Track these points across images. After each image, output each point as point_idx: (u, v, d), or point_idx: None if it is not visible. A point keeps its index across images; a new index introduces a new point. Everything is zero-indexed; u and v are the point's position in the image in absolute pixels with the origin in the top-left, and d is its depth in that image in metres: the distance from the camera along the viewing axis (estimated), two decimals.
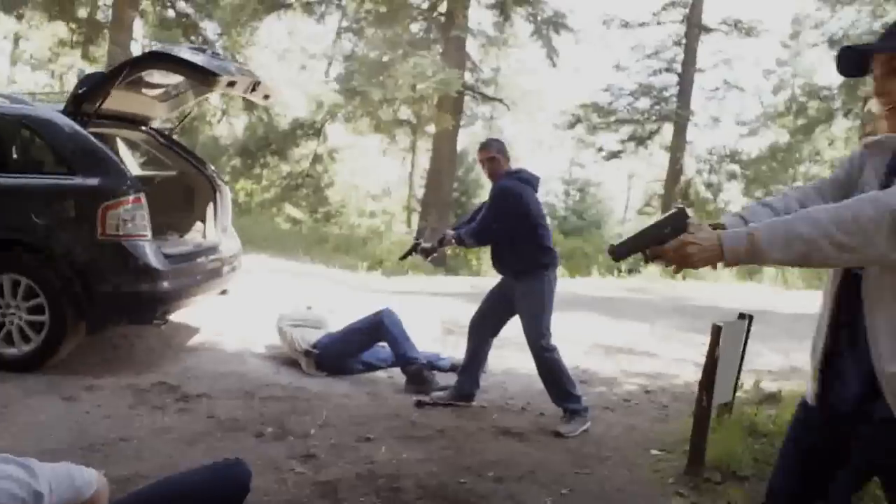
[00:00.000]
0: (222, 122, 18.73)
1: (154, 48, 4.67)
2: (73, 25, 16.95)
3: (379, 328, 4.89)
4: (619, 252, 1.63)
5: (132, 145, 5.80)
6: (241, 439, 3.54)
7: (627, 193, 35.34)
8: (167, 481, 2.15)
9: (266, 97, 5.30)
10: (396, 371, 4.94)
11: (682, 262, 1.54)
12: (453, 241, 4.30)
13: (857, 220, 1.45)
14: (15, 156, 4.60)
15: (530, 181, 4.27)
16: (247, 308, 6.27)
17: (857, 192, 1.66)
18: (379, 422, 3.92)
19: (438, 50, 15.44)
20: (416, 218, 21.13)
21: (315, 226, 18.41)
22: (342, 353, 4.94)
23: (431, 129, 18.59)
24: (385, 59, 13.43)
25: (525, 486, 3.19)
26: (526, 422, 4.15)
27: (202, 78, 4.42)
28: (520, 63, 22.34)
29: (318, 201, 19.07)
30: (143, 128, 5.50)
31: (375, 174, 26.37)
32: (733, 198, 20.91)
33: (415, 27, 16.49)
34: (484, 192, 24.92)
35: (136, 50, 16.91)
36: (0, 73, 28.58)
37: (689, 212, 1.58)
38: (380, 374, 5.02)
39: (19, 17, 17.00)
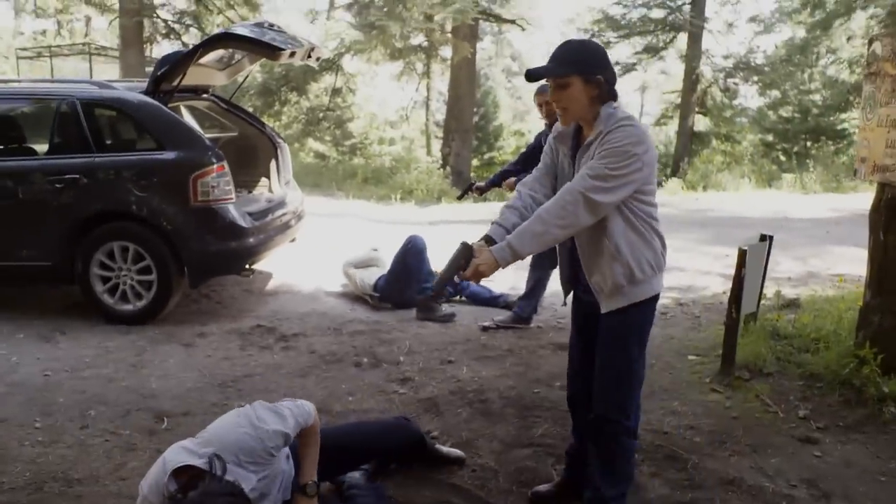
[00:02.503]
0: None
1: (225, 30, 5.08)
2: None
3: (406, 258, 5.46)
4: (436, 289, 2.40)
5: (197, 112, 6.29)
6: (344, 369, 4.21)
7: (641, 105, 35.16)
8: (358, 425, 2.95)
9: (318, 59, 5.75)
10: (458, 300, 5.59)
11: (479, 277, 2.26)
12: None
13: (564, 207, 2.20)
14: (110, 137, 5.15)
15: None
16: (310, 251, 6.92)
17: (560, 172, 2.49)
18: (455, 346, 4.58)
19: None
20: (435, 143, 21.47)
21: (341, 158, 18.87)
22: (399, 289, 5.50)
23: (445, 52, 18.71)
24: None
25: None
26: None
27: (268, 52, 4.89)
28: None
29: (342, 135, 19.43)
30: (205, 95, 6.01)
31: (390, 101, 26.49)
32: (750, 102, 21.00)
33: None
34: (502, 112, 25.00)
35: None
36: (6, 25, 28.71)
37: (472, 243, 2.31)
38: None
39: None
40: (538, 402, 3.70)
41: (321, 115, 18.87)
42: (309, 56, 5.41)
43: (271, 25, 5.25)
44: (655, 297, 2.44)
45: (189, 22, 17.55)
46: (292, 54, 5.08)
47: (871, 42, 3.91)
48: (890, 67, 3.59)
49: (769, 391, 3.70)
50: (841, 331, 4.09)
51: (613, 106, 2.30)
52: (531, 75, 2.32)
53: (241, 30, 4.92)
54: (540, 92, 4.73)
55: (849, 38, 18.59)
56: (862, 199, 11.26)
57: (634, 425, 2.53)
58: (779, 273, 6.30)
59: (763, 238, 4.27)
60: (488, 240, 2.40)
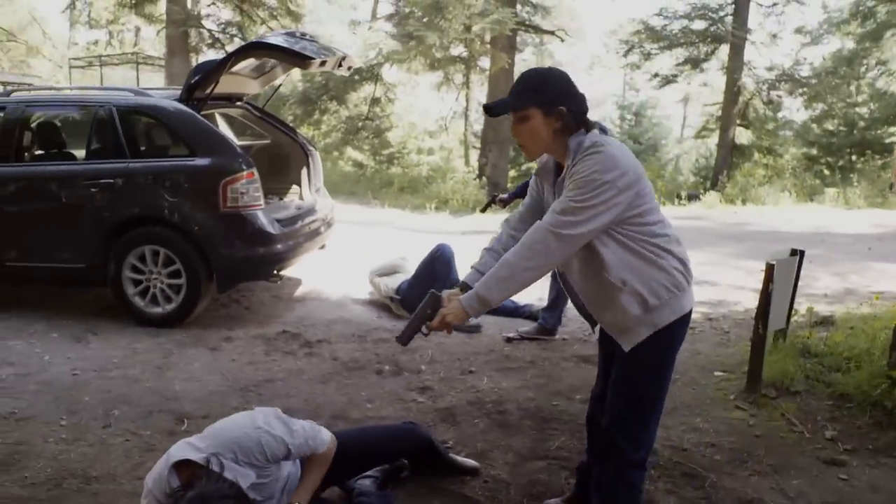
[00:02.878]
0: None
1: (255, 39, 5.18)
2: None
3: (433, 264, 5.44)
4: (403, 339, 2.26)
5: (230, 120, 6.41)
6: (365, 376, 4.22)
7: (683, 116, 34.79)
8: (364, 430, 2.93)
9: (349, 68, 5.81)
10: None
11: (447, 327, 2.18)
12: None
13: (531, 248, 2.07)
14: (145, 143, 5.27)
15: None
16: (340, 258, 6.97)
17: (545, 208, 2.26)
18: (477, 356, 4.56)
19: None
20: (473, 153, 21.48)
21: (378, 167, 19.00)
22: (421, 294, 5.49)
23: (484, 63, 18.75)
24: (438, 1, 13.57)
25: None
26: None
27: (299, 61, 4.96)
28: None
29: (380, 144, 19.57)
30: (239, 103, 6.12)
31: (430, 111, 26.63)
32: (795, 115, 20.58)
33: None
34: None
35: (191, 6, 17.48)
36: (61, 35, 29.64)
37: (441, 293, 2.24)
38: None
39: None
40: (556, 415, 3.66)
41: (360, 124, 19.03)
42: (340, 65, 5.46)
43: (304, 35, 5.33)
44: (682, 319, 2.23)
45: (234, 32, 17.89)
46: (323, 63, 5.14)
47: None
48: None
49: (796, 410, 3.60)
50: (874, 350, 3.96)
51: (584, 134, 2.16)
52: (489, 110, 2.21)
53: (272, 39, 5.01)
54: None
55: None
56: None
57: (644, 456, 2.33)
58: (815, 289, 6.15)
59: (794, 252, 4.16)
60: (464, 287, 2.32)
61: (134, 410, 3.66)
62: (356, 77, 17.72)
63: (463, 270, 5.58)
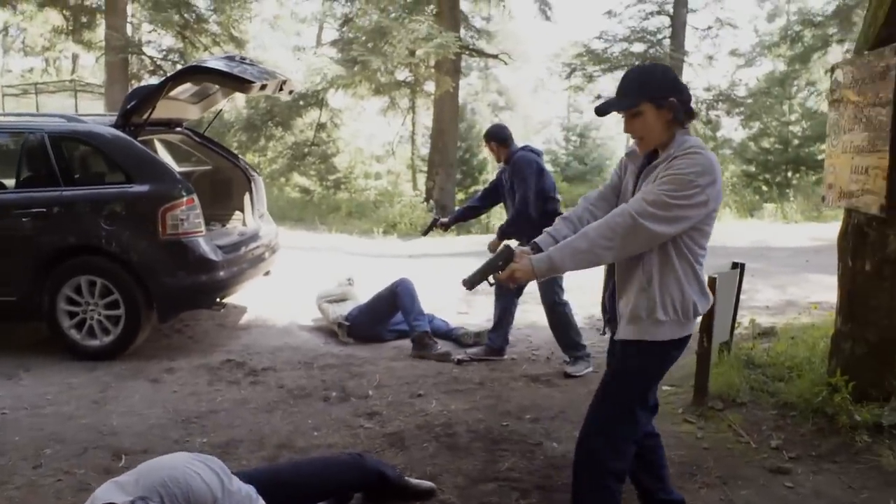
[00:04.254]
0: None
1: (194, 63, 5.09)
2: (66, 12, 17.06)
3: (395, 298, 5.38)
4: (471, 282, 2.29)
5: (170, 146, 6.27)
6: (312, 404, 4.12)
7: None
8: (301, 464, 2.81)
9: (290, 91, 5.75)
10: None
11: (514, 282, 2.22)
12: (499, 236, 4.76)
13: (612, 228, 2.11)
14: (79, 170, 5.10)
15: (538, 153, 4.81)
16: (286, 285, 6.85)
17: (623, 189, 2.40)
18: (425, 380, 4.51)
19: (432, 11, 15.63)
20: (420, 177, 21.51)
21: (325, 193, 18.86)
22: (371, 322, 5.45)
23: (430, 87, 18.87)
24: (382, 25, 13.63)
25: (558, 423, 3.77)
26: (552, 370, 4.72)
27: (239, 85, 4.88)
28: (512, 12, 22.38)
29: (326, 169, 19.45)
30: (178, 129, 6.00)
31: (376, 135, 26.62)
32: (733, 134, 21.25)
33: None
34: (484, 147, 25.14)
35: (131, 33, 17.20)
36: None
37: (515, 247, 2.28)
38: None
39: (13, 8, 17.13)
40: (506, 436, 3.62)
41: (306, 149, 18.90)
42: (281, 89, 5.40)
43: (243, 59, 5.26)
44: (673, 344, 2.27)
45: (175, 59, 17.64)
46: (263, 87, 5.08)
47: (833, 70, 3.94)
48: (852, 94, 3.61)
49: (742, 421, 3.64)
50: (814, 358, 4.05)
51: (689, 134, 2.23)
52: (600, 111, 2.27)
53: (211, 63, 4.92)
54: (483, 137, 4.96)
55: (826, 71, 18.87)
56: None
57: (624, 468, 2.33)
58: (757, 302, 6.28)
59: (735, 266, 4.24)
60: (534, 247, 2.33)
61: (67, 448, 3.49)
62: (301, 102, 17.63)
63: (424, 300, 5.55)
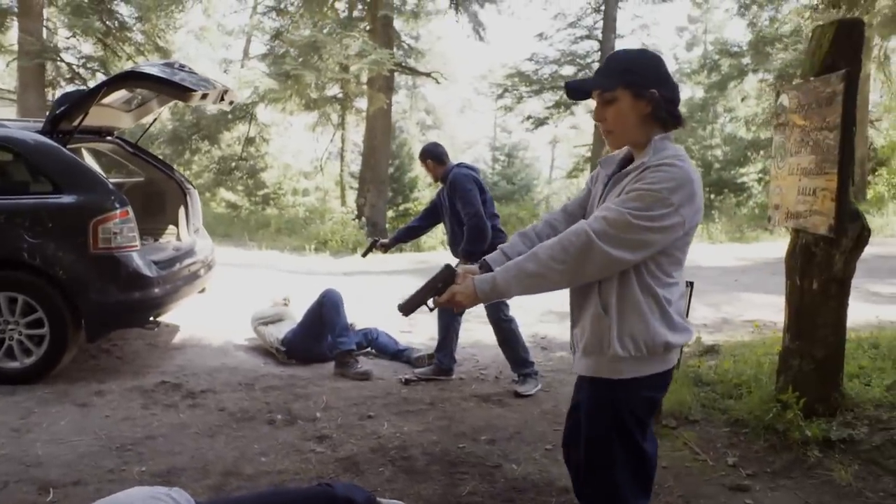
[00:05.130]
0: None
1: (132, 68, 4.83)
2: None
3: (322, 310, 5.22)
4: (407, 307, 2.06)
5: (99, 155, 5.95)
6: (256, 427, 3.92)
7: (552, 158, 36.28)
8: (276, 493, 2.64)
9: (231, 102, 5.55)
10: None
11: (455, 305, 1.97)
12: (464, 258, 4.52)
13: (566, 248, 1.84)
14: (1, 178, 4.76)
15: (475, 170, 4.77)
16: (219, 302, 6.59)
17: (592, 199, 2.12)
18: (374, 400, 4.37)
19: (365, 27, 15.57)
20: (350, 194, 21.31)
21: (254, 209, 18.44)
22: (308, 342, 5.26)
23: (360, 103, 18.75)
24: (316, 40, 13.46)
25: (514, 444, 3.71)
26: (502, 389, 4.66)
27: (179, 94, 4.66)
28: (443, 32, 22.60)
29: (254, 185, 19.04)
30: (110, 138, 5.69)
31: (303, 151, 26.28)
32: None
33: (340, 5, 16.55)
34: (417, 164, 25.21)
35: (48, 37, 16.40)
36: None
37: (456, 267, 2.06)
38: (360, 357, 5.43)
39: None
40: (464, 458, 3.52)
41: (233, 164, 18.47)
42: (222, 99, 5.20)
43: (182, 66, 5.04)
44: (641, 382, 1.97)
45: (95, 67, 16.95)
46: (204, 96, 4.87)
47: (778, 94, 4.06)
48: (797, 119, 3.72)
49: (696, 438, 3.66)
50: (761, 375, 4.12)
51: (671, 139, 1.95)
52: (572, 89, 2.01)
53: (149, 69, 4.68)
54: (419, 156, 4.90)
55: (743, 99, 19.83)
56: (764, 248, 11.78)
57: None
58: (695, 319, 6.40)
59: (686, 284, 4.28)
60: (484, 265, 2.10)
61: None
62: (230, 116, 17.25)
63: (352, 313, 5.41)
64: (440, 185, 4.83)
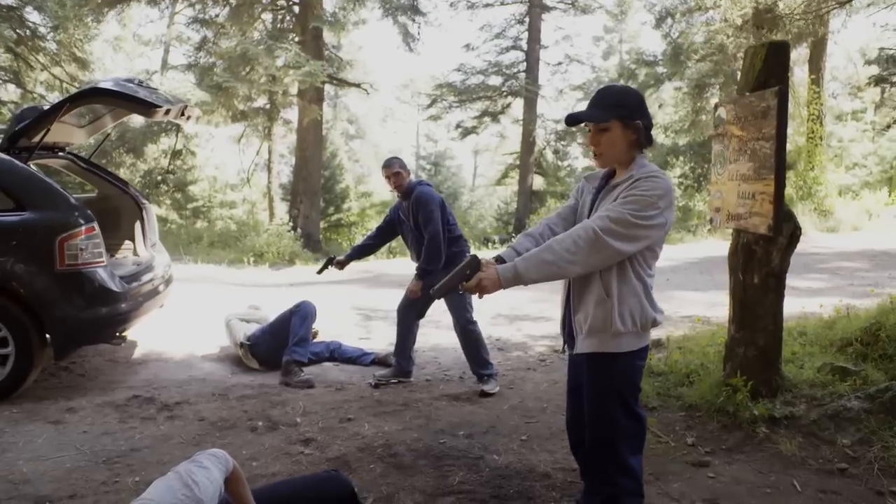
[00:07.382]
0: None
1: (94, 85, 4.83)
2: None
3: (291, 318, 5.39)
4: (441, 291, 2.34)
5: (49, 171, 5.88)
6: (240, 434, 4.03)
7: (475, 166, 36.88)
8: (287, 482, 2.79)
9: (188, 118, 5.60)
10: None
11: (482, 291, 2.27)
12: (418, 276, 4.82)
13: (575, 241, 2.23)
14: None
15: (434, 187, 5.04)
16: (173, 317, 6.58)
17: (580, 210, 2.58)
18: (350, 404, 4.53)
19: (294, 39, 15.58)
20: (280, 206, 21.14)
21: (184, 223, 18.09)
22: (274, 344, 5.37)
23: (288, 114, 18.69)
24: (247, 51, 13.40)
25: (491, 437, 3.95)
26: (468, 389, 4.90)
27: (143, 110, 4.72)
28: (363, 41, 22.73)
29: (183, 198, 18.69)
30: (62, 154, 5.65)
31: (227, 163, 25.91)
32: (578, 163, 22.74)
33: (267, 17, 16.50)
34: (349, 175, 25.20)
35: None
36: None
37: (481, 257, 2.33)
38: (326, 364, 5.57)
39: None
40: (447, 452, 3.74)
41: (160, 177, 18.10)
42: (182, 114, 5.26)
43: (141, 82, 5.09)
44: (636, 354, 2.42)
45: (6, 77, 16.31)
46: (167, 112, 4.94)
47: (716, 107, 4.45)
48: (736, 129, 4.11)
49: (657, 423, 3.99)
50: (709, 364, 4.51)
51: (647, 156, 2.40)
52: (573, 119, 2.40)
53: (112, 86, 4.72)
54: (387, 166, 4.94)
55: (660, 106, 20.76)
56: (689, 248, 12.45)
57: (636, 487, 2.48)
58: None
59: None
60: (498, 259, 2.41)
61: None
62: (155, 128, 16.91)
63: (319, 324, 5.55)
64: (397, 200, 5.02)
